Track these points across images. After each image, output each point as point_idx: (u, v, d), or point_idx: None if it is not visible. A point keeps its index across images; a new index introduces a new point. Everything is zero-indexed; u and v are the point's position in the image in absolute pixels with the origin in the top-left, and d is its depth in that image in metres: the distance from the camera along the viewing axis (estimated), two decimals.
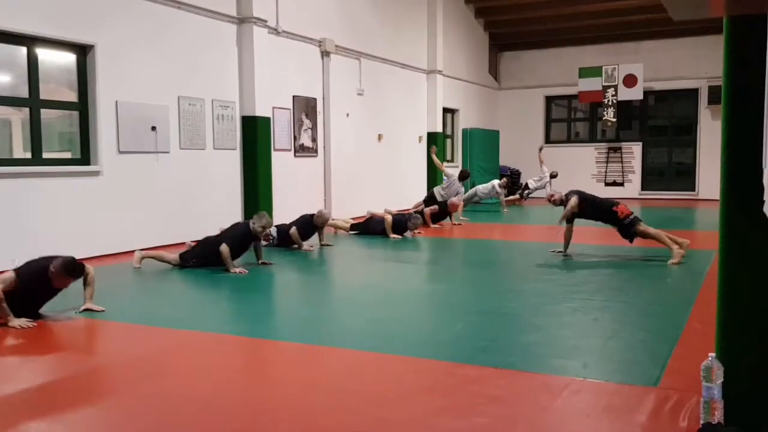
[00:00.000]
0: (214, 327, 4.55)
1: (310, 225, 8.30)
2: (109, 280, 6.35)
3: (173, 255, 6.92)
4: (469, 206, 13.34)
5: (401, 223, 9.52)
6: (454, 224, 11.15)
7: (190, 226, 8.32)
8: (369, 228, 9.62)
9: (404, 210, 12.20)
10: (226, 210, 9.13)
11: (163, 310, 5.33)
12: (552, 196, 7.77)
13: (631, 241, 7.22)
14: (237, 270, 6.46)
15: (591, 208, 7.32)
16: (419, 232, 9.81)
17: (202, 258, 6.73)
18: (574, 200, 7.22)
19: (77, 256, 6.85)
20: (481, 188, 13.51)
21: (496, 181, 13.75)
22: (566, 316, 4.76)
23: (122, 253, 7.48)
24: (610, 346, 4.07)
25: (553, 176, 15.25)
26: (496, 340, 4.16)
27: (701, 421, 2.57)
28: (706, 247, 7.74)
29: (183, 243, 7.68)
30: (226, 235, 6.84)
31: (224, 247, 6.54)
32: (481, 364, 3.61)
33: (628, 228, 7.10)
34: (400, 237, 9.31)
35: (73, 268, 4.67)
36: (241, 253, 6.83)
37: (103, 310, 4.92)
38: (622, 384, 3.30)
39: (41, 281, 4.60)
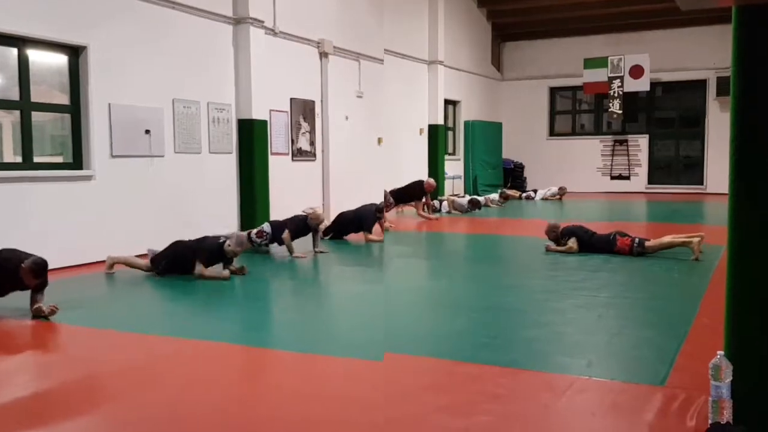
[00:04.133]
0: (209, 335, 4.47)
1: (304, 226, 8.05)
2: (101, 287, 6.31)
3: (144, 261, 6.73)
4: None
5: (372, 218, 9.19)
6: (431, 217, 11.22)
7: (184, 231, 8.17)
8: (342, 228, 9.31)
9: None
10: (221, 215, 9.04)
11: (156, 317, 5.28)
12: (553, 229, 7.46)
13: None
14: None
15: (591, 244, 7.26)
16: (391, 226, 9.66)
17: (172, 264, 6.52)
18: (573, 243, 7.19)
19: (70, 263, 6.91)
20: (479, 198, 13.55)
21: (490, 196, 13.90)
22: (570, 312, 4.70)
23: None
24: (616, 343, 4.02)
25: (562, 193, 15.28)
26: (498, 337, 4.13)
27: (710, 421, 2.54)
28: (715, 242, 7.60)
29: None
30: (199, 247, 6.50)
31: (200, 269, 6.31)
32: (483, 362, 3.59)
33: (638, 254, 7.01)
34: (378, 239, 9.00)
35: (42, 270, 4.85)
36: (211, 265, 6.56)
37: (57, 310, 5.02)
38: (628, 382, 3.26)
39: (12, 277, 4.78)
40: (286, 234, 7.86)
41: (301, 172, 10.71)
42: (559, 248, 7.26)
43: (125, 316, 5.10)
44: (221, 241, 6.49)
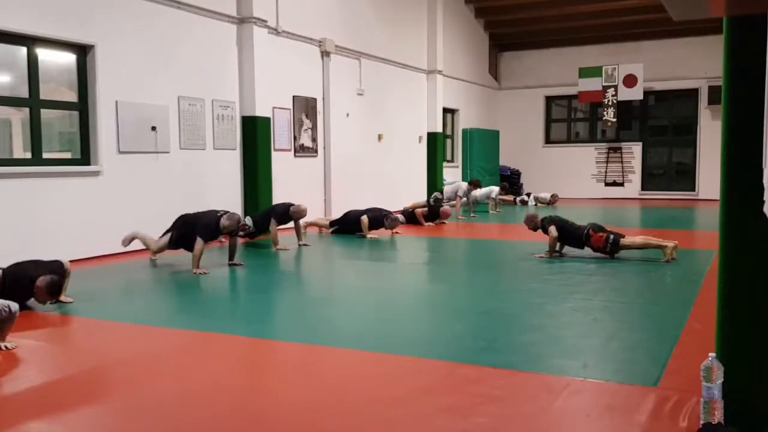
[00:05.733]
0: (213, 327, 4.55)
1: (285, 215, 8.26)
2: (108, 280, 6.37)
3: (155, 241, 7.00)
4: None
5: (378, 220, 9.48)
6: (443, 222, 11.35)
7: None
8: (346, 224, 9.62)
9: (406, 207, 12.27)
10: (226, 209, 9.13)
11: (161, 309, 5.34)
12: (532, 218, 7.59)
13: (612, 257, 7.16)
14: (199, 271, 6.45)
15: (566, 235, 7.37)
16: (397, 232, 9.77)
17: (180, 238, 6.74)
18: (553, 230, 7.26)
19: (77, 256, 6.99)
20: (479, 194, 13.47)
21: (494, 188, 13.82)
22: (566, 316, 4.76)
23: (122, 254, 7.48)
24: (610, 346, 4.07)
25: (552, 201, 15.38)
26: (496, 340, 4.16)
27: (701, 422, 2.57)
28: (706, 247, 7.73)
29: None
30: (200, 222, 6.68)
31: (199, 245, 6.49)
32: (481, 365, 3.61)
33: (611, 251, 7.10)
34: (377, 236, 9.27)
35: (57, 290, 4.88)
36: (210, 241, 6.81)
37: (71, 302, 5.12)
38: (622, 384, 3.30)
39: (25, 290, 4.78)
40: (273, 224, 8.17)
41: (303, 167, 10.82)
42: (546, 254, 7.33)
43: (134, 309, 5.18)
44: (219, 215, 6.69)
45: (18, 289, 4.73)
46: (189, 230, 6.70)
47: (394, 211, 10.20)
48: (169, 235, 6.93)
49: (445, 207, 11.65)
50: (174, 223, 7.03)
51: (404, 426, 2.85)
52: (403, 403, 3.08)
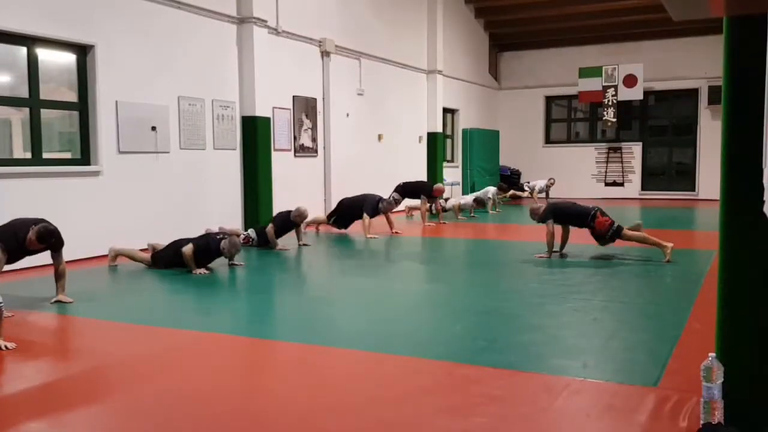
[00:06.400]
0: (213, 327, 4.56)
1: (287, 222, 8.24)
2: (109, 280, 6.38)
3: (146, 255, 6.87)
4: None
5: (374, 206, 9.40)
6: (442, 223, 11.25)
7: (190, 226, 8.32)
8: (344, 213, 9.59)
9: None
10: (226, 210, 9.16)
11: (161, 309, 5.34)
12: (536, 211, 7.56)
13: (611, 243, 7.21)
14: (199, 271, 6.43)
15: (569, 215, 7.39)
16: (397, 232, 9.74)
17: (172, 262, 6.63)
18: (549, 224, 7.25)
19: (78, 256, 7.00)
20: (479, 194, 13.48)
21: (491, 188, 13.84)
22: (566, 316, 4.76)
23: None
24: (610, 346, 4.07)
25: (549, 185, 15.42)
26: (495, 340, 4.16)
27: (701, 422, 2.57)
28: (706, 247, 7.74)
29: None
30: (196, 242, 6.66)
31: (188, 248, 6.46)
32: (481, 365, 3.61)
33: (610, 238, 7.12)
34: (377, 236, 9.22)
35: (48, 235, 4.88)
36: (205, 263, 6.66)
37: (71, 302, 5.11)
38: (622, 384, 3.30)
39: (18, 244, 4.82)
40: (269, 228, 8.17)
41: (303, 167, 10.84)
42: (546, 254, 7.33)
43: (134, 309, 5.18)
44: (219, 237, 6.63)
45: (15, 249, 4.73)
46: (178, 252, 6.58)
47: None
48: (158, 256, 6.78)
49: (438, 184, 11.66)
50: (166, 247, 6.82)
51: (404, 426, 2.85)
52: (403, 403, 3.09)
